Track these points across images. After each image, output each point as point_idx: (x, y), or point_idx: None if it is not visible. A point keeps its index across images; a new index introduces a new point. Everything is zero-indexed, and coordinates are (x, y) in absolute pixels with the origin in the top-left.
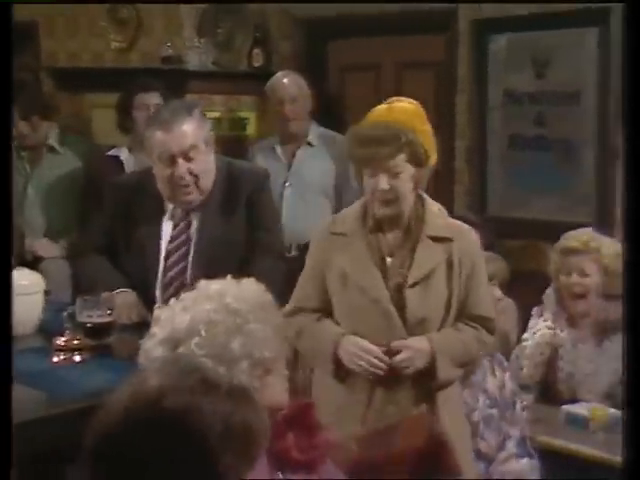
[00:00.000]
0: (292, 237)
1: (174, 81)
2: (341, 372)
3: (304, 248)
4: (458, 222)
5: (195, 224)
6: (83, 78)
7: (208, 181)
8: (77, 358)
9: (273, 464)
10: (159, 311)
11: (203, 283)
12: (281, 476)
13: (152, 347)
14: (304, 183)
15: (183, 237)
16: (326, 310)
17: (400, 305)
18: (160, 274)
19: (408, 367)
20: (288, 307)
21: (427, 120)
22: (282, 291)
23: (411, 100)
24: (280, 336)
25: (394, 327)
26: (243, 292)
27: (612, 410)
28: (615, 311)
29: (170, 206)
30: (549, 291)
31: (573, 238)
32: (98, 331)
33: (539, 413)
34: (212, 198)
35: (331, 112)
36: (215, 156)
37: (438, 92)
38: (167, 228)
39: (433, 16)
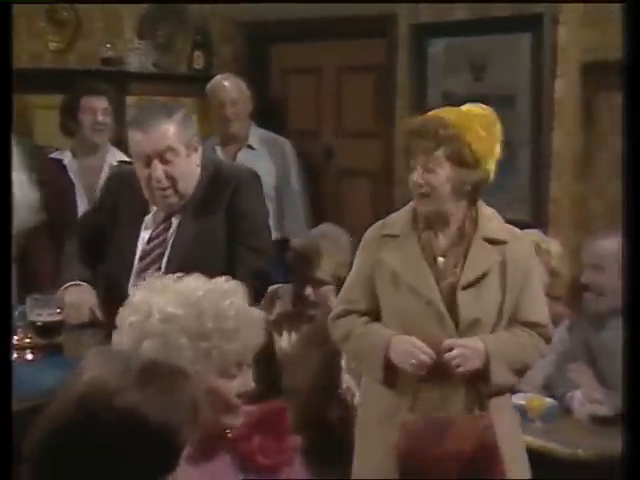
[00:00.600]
0: None
1: (114, 82)
2: (390, 377)
3: None
4: (512, 227)
5: (174, 227)
6: (22, 79)
7: (188, 185)
8: (29, 357)
9: (237, 465)
10: (131, 301)
11: (170, 279)
12: (241, 477)
13: (121, 337)
14: None
15: (160, 239)
16: (374, 313)
17: (452, 306)
18: (133, 275)
19: (460, 366)
20: (336, 309)
21: (494, 129)
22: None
23: (484, 106)
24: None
25: (446, 329)
26: (211, 290)
27: (549, 400)
28: (555, 310)
29: (153, 207)
30: None
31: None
32: (48, 330)
33: None
34: (194, 201)
35: (273, 115)
36: (203, 157)
37: (378, 95)
38: (147, 229)
39: (373, 20)
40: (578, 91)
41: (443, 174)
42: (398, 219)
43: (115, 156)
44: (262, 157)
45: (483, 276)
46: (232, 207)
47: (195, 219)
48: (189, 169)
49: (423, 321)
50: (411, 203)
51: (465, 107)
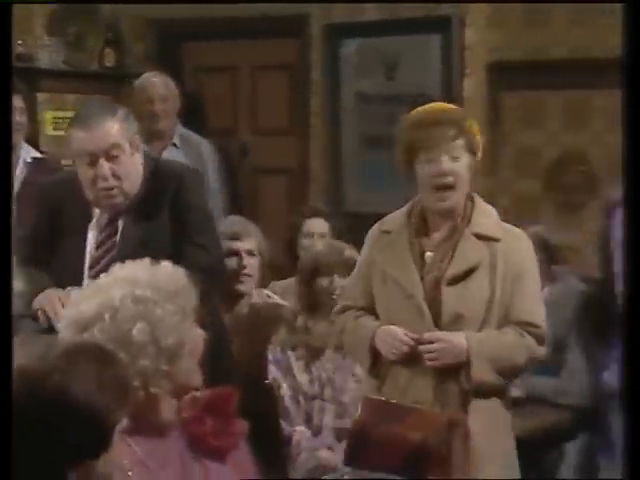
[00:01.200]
0: None
1: (25, 79)
2: (377, 368)
3: None
4: (509, 225)
5: (120, 229)
6: None
7: (133, 184)
8: None
9: (188, 447)
10: (73, 293)
11: (117, 267)
12: (192, 457)
13: (62, 330)
14: None
15: (108, 244)
16: (371, 309)
17: (436, 300)
18: (84, 284)
19: (437, 359)
20: (337, 306)
21: None
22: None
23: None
24: (193, 320)
25: (427, 323)
26: (156, 277)
27: None
28: None
29: (97, 212)
30: None
31: None
32: None
33: None
34: (137, 200)
35: (187, 113)
36: (143, 153)
37: (292, 94)
38: (92, 236)
39: (286, 20)
40: (484, 90)
41: (464, 164)
42: (396, 216)
43: (29, 153)
44: (184, 156)
45: (469, 272)
46: (176, 204)
47: (141, 219)
48: (134, 167)
49: (407, 315)
50: (411, 201)
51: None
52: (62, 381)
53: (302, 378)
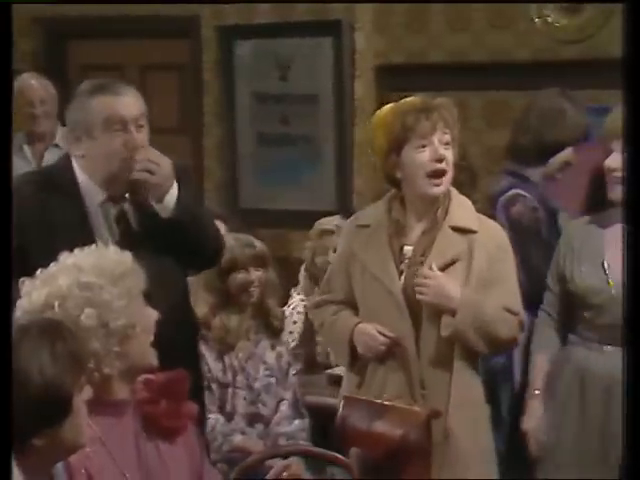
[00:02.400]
0: None
1: None
2: (356, 363)
3: None
4: (484, 217)
5: (134, 213)
6: None
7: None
8: None
9: (142, 427)
10: (26, 282)
11: (64, 256)
12: (145, 437)
13: (17, 319)
14: None
15: (121, 227)
16: (350, 303)
17: (415, 294)
18: None
19: (425, 294)
20: (315, 299)
21: None
22: None
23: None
24: (142, 302)
25: (405, 318)
26: (101, 262)
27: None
28: None
29: (99, 198)
30: (303, 271)
31: (327, 223)
32: None
33: (306, 378)
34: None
35: None
36: None
37: (183, 93)
38: (99, 226)
39: (176, 21)
40: (373, 91)
41: (452, 153)
42: (373, 209)
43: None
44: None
45: (448, 265)
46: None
47: (148, 207)
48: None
49: (385, 310)
50: (387, 196)
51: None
52: (16, 355)
53: (215, 367)
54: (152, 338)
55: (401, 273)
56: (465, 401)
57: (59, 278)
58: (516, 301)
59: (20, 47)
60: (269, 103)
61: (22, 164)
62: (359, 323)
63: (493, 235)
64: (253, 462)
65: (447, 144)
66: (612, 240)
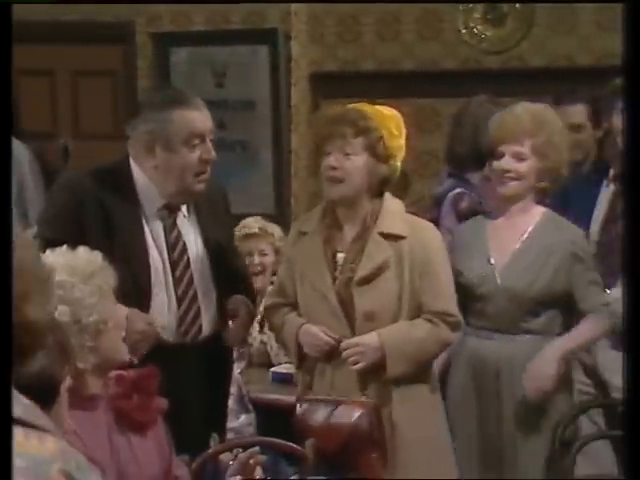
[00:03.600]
0: None
1: None
2: (304, 364)
3: None
4: (418, 220)
5: (184, 222)
6: None
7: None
8: None
9: (115, 420)
10: None
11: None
12: (117, 430)
13: None
14: None
15: (175, 233)
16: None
17: (348, 300)
18: (160, 273)
19: (358, 362)
20: (266, 302)
21: (402, 129)
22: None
23: (391, 109)
24: (113, 299)
25: (341, 323)
26: (72, 262)
27: None
28: None
29: (158, 204)
30: None
31: (249, 226)
32: None
33: (252, 375)
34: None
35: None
36: None
37: (116, 100)
38: (156, 230)
39: (110, 27)
40: (308, 98)
41: (359, 162)
42: (311, 216)
43: None
44: None
45: (378, 272)
46: (226, 212)
47: (208, 216)
48: None
49: (323, 315)
50: (327, 200)
51: (377, 107)
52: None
53: None
54: (123, 334)
55: (335, 280)
56: (407, 393)
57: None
58: (451, 301)
59: None
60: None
61: None
62: (304, 324)
63: (423, 238)
64: (214, 453)
65: (348, 155)
66: (495, 232)
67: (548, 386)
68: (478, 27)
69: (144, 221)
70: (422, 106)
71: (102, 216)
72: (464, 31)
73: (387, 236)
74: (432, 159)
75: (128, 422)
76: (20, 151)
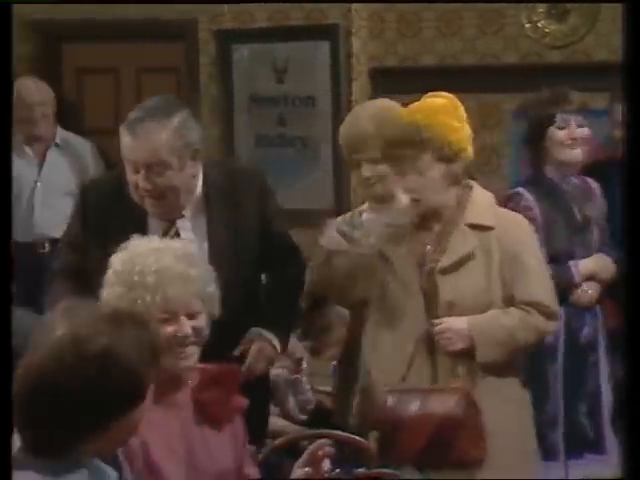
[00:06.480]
0: (44, 233)
1: None
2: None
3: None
4: (507, 211)
5: (187, 232)
6: None
7: (184, 195)
8: None
9: (193, 411)
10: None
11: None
12: (194, 420)
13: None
14: (53, 183)
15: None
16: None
17: (432, 290)
18: None
19: (449, 346)
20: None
21: (460, 112)
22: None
23: (445, 94)
24: None
25: (422, 313)
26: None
27: None
28: None
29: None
30: None
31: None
32: None
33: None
34: (203, 205)
35: (67, 114)
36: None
37: (179, 96)
38: (154, 232)
39: (173, 25)
40: (369, 93)
41: (435, 175)
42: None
43: None
44: (67, 157)
45: (462, 261)
46: (262, 208)
47: (219, 222)
48: (183, 181)
49: (404, 305)
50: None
51: (423, 102)
52: (109, 343)
53: None
54: None
55: (421, 272)
56: (496, 385)
57: (118, 261)
58: (545, 293)
59: (16, 50)
60: (266, 105)
61: (24, 164)
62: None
63: (512, 229)
64: (279, 445)
65: (422, 172)
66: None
67: None
68: (542, 22)
69: (148, 220)
70: (483, 101)
71: (103, 227)
72: (528, 25)
73: (474, 227)
74: (493, 155)
75: (205, 415)
76: (84, 148)
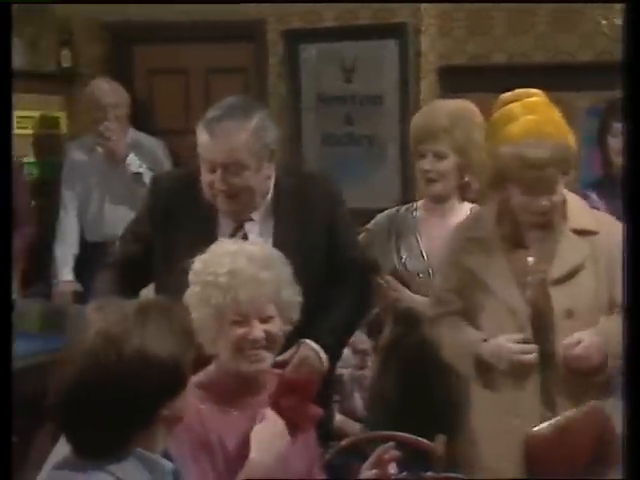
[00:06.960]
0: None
1: None
2: (485, 377)
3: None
4: (600, 213)
5: (255, 236)
6: None
7: (258, 196)
8: None
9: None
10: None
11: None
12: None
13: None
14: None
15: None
16: (463, 312)
17: (544, 302)
18: None
19: (584, 361)
20: (431, 312)
21: (552, 110)
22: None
23: (535, 91)
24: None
25: (527, 336)
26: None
27: None
28: None
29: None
30: None
31: None
32: None
33: None
34: (272, 208)
35: (138, 115)
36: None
37: (247, 96)
38: (224, 231)
39: (241, 25)
40: (437, 92)
41: (561, 189)
42: (483, 221)
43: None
44: (137, 157)
45: (575, 270)
46: (332, 219)
47: (286, 229)
48: (258, 182)
49: (506, 321)
50: (495, 205)
51: (521, 102)
52: (141, 338)
53: None
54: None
55: (523, 286)
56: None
57: (199, 260)
58: None
59: (88, 52)
60: (333, 104)
61: (96, 164)
62: (485, 340)
63: (614, 232)
64: (345, 446)
65: (555, 191)
66: (427, 230)
67: None
68: (618, 19)
69: (219, 219)
70: (556, 99)
71: (169, 223)
72: (604, 22)
73: (581, 232)
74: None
75: (285, 421)
76: (156, 147)
